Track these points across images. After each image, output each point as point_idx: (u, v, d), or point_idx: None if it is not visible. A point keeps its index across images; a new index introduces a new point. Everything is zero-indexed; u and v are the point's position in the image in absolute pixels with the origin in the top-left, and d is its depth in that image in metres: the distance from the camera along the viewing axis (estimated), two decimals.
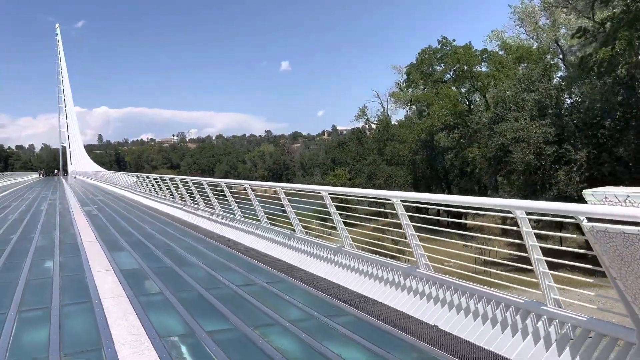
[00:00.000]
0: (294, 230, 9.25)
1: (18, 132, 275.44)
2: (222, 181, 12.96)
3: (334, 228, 7.88)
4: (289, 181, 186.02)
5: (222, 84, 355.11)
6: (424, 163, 62.02)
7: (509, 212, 4.28)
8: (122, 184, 33.65)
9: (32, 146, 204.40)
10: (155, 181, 22.55)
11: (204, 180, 14.54)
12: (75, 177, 79.47)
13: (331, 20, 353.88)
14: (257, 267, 8.13)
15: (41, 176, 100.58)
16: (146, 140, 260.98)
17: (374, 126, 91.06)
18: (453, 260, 6.29)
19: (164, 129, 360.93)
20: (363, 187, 70.83)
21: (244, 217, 12.23)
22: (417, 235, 5.93)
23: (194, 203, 16.37)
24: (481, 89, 52.21)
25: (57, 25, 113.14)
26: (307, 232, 9.32)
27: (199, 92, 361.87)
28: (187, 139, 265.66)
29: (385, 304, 5.90)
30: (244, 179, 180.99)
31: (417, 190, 64.87)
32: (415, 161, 62.24)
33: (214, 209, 14.12)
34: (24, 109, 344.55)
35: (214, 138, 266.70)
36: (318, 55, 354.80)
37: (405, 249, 6.57)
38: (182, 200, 17.93)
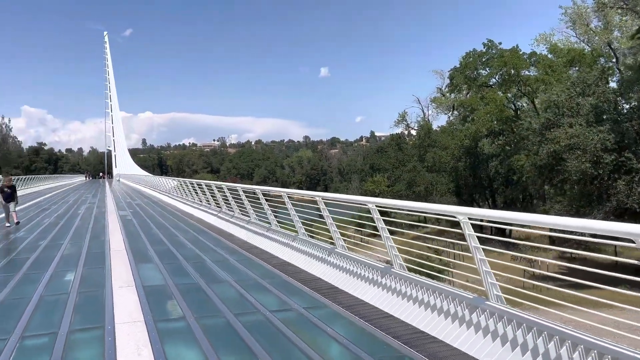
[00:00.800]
0: (334, 244, 8.33)
1: (68, 136, 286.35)
2: (258, 188, 12.18)
3: (369, 241, 6.91)
4: (326, 187, 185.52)
5: (262, 89, 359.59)
6: (467, 170, 59.92)
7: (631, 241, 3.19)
8: (161, 188, 33.63)
9: (80, 149, 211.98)
10: (192, 186, 22.13)
11: (239, 186, 13.81)
12: (119, 180, 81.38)
13: (371, 26, 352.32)
14: (293, 287, 7.22)
15: (87, 179, 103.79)
16: (188, 144, 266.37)
17: (414, 132, 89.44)
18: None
19: (206, 134, 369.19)
20: (402, 194, 69.33)
21: (281, 226, 11.40)
22: (487, 261, 4.89)
23: (229, 210, 15.71)
24: (529, 94, 49.94)
25: (105, 33, 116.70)
26: (347, 247, 8.36)
27: (240, 98, 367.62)
28: (227, 144, 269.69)
29: (448, 343, 4.86)
30: (282, 184, 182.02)
31: (459, 198, 62.86)
32: (458, 168, 60.21)
33: (249, 217, 13.38)
34: (73, 114, 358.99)
35: (253, 143, 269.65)
36: (357, 61, 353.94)
37: (457, 271, 5.54)
38: (217, 206, 17.33)
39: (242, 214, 14.24)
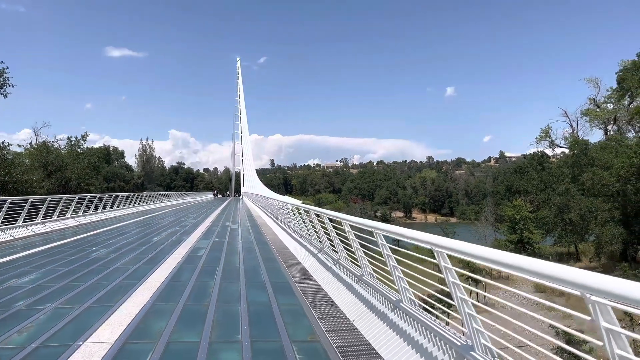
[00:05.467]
0: None
1: (207, 157, 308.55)
2: (380, 228, 6.39)
3: None
4: (451, 210, 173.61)
5: (385, 111, 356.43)
6: (638, 195, 48.05)
7: None
8: (271, 209, 29.50)
9: (216, 169, 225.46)
10: (298, 212, 17.16)
11: (347, 220, 8.15)
12: (242, 199, 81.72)
13: (500, 42, 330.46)
14: None
15: (215, 196, 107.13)
16: (312, 165, 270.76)
17: (561, 150, 77.32)
18: None
19: (329, 155, 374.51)
20: (549, 222, 58.59)
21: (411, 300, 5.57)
22: None
23: (333, 251, 10.23)
24: None
25: (237, 58, 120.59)
26: None
27: (364, 120, 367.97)
28: (350, 165, 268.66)
29: None
30: (404, 205, 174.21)
31: (627, 229, 50.78)
32: (626, 192, 48.56)
33: (361, 269, 7.75)
34: (212, 137, 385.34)
35: (375, 164, 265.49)
36: (485, 80, 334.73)
37: None
38: (319, 241, 11.98)
39: (352, 261, 8.66)
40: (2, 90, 33.06)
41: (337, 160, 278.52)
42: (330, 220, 9.60)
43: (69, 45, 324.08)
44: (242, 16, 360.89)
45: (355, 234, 7.92)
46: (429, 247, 4.43)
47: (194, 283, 8.77)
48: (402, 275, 5.78)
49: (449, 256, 4.26)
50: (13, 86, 33.68)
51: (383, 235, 6.12)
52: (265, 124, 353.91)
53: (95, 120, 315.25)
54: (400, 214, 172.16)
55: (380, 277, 7.15)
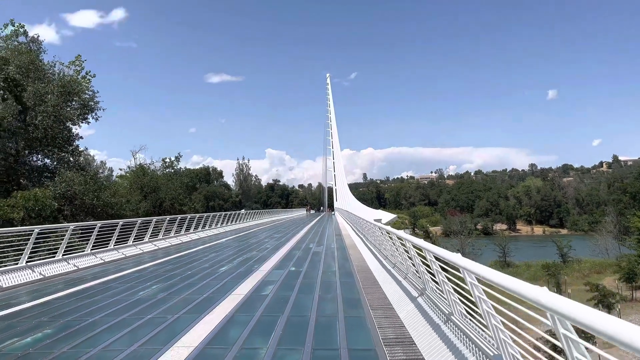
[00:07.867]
0: None
1: (302, 173, 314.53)
2: (553, 309, 3.19)
3: None
4: (561, 220, 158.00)
5: (481, 118, 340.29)
6: None
7: None
8: (359, 227, 26.59)
9: (310, 185, 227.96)
10: (389, 237, 14.00)
11: (468, 269, 4.99)
12: (334, 214, 79.99)
13: (606, 35, 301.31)
14: None
15: (308, 212, 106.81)
16: (406, 177, 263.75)
17: None
18: None
19: (423, 167, 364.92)
20: None
21: None
22: None
23: (441, 296, 7.04)
24: None
25: (327, 75, 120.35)
26: None
27: (457, 128, 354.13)
28: (445, 176, 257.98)
29: None
30: (507, 217, 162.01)
31: None
32: None
33: (493, 340, 4.55)
34: (306, 154, 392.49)
35: (472, 174, 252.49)
36: (592, 80, 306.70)
37: None
38: (417, 277, 8.81)
39: (473, 320, 5.46)
40: (94, 114, 33.80)
41: (431, 172, 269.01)
42: (437, 259, 6.43)
43: (174, 76, 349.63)
44: (332, 34, 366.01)
45: (481, 287, 4.72)
46: None
47: (235, 354, 6.00)
48: None
49: None
50: (104, 110, 34.37)
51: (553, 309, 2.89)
52: (356, 138, 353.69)
53: (199, 143, 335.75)
54: (503, 226, 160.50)
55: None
